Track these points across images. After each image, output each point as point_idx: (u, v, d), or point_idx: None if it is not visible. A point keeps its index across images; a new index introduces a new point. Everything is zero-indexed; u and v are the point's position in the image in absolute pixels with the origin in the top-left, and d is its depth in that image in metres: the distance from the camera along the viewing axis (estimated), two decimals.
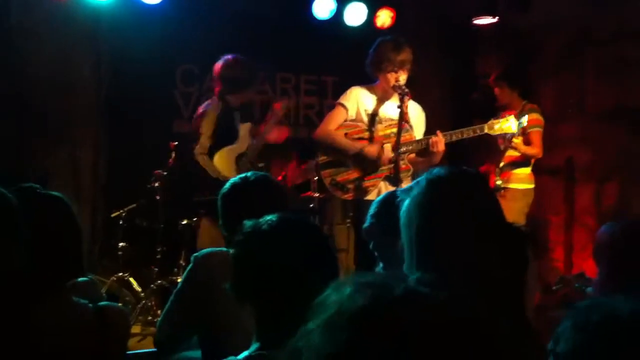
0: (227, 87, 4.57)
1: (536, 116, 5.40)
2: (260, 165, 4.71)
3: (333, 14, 6.30)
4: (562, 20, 6.44)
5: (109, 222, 5.62)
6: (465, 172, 1.52)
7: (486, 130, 4.36)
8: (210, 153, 4.69)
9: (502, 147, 5.32)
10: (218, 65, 4.66)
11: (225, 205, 2.65)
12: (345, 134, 4.39)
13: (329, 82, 7.17)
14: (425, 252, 1.43)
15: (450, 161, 5.07)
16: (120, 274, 5.25)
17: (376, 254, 2.33)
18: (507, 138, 5.12)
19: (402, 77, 4.26)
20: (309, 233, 1.77)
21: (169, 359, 2.78)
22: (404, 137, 4.23)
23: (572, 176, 6.45)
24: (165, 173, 5.08)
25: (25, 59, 5.69)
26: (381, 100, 4.40)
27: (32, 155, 5.76)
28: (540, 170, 5.84)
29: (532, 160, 5.52)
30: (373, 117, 4.37)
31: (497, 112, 6.63)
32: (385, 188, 4.28)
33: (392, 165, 4.24)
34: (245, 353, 1.68)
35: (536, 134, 5.38)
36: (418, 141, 4.29)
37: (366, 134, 4.37)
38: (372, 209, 2.40)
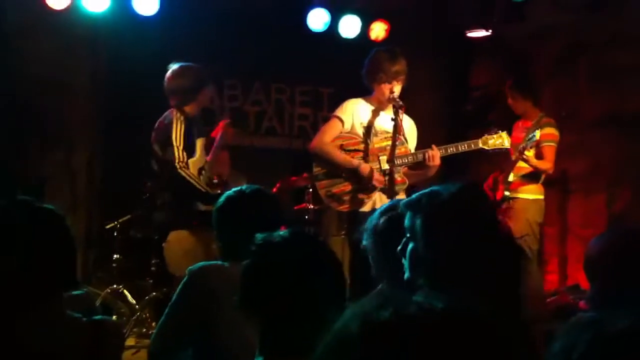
0: (180, 98, 4.47)
1: (552, 130, 5.31)
2: (215, 181, 4.61)
3: (327, 26, 6.33)
4: (555, 29, 6.49)
5: (104, 233, 5.61)
6: (465, 187, 1.53)
7: (480, 145, 4.40)
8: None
9: (513, 157, 5.29)
10: (166, 76, 4.55)
11: (220, 218, 2.65)
12: (341, 146, 4.40)
13: (324, 93, 7.19)
14: (428, 266, 1.44)
15: (454, 171, 5.08)
16: (115, 286, 5.23)
17: (373, 265, 2.33)
18: (519, 149, 5.13)
19: (397, 88, 4.28)
20: (319, 248, 1.82)
21: None
22: (400, 150, 4.25)
23: (566, 187, 6.47)
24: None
25: (22, 62, 5.70)
26: (377, 112, 4.42)
27: (28, 159, 5.76)
28: None
29: (543, 176, 5.41)
30: (369, 129, 4.38)
31: (491, 123, 6.65)
32: (380, 200, 4.29)
33: (387, 178, 4.27)
34: None
35: (550, 148, 5.28)
36: (414, 154, 4.31)
37: (362, 146, 4.38)
38: (371, 222, 2.38)
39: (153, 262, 5.18)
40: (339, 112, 4.45)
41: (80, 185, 6.17)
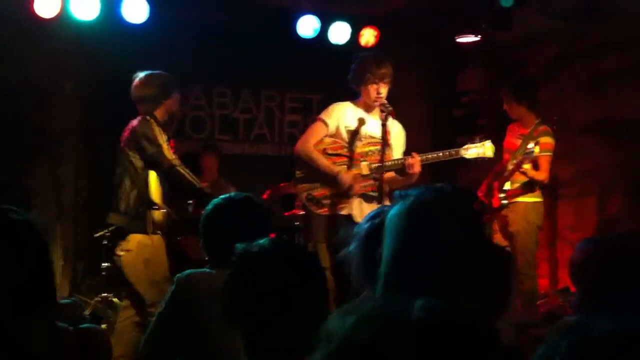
0: (147, 105, 4.50)
1: (548, 140, 5.28)
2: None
3: (317, 32, 6.35)
4: (543, 36, 6.52)
5: (93, 242, 5.59)
6: (442, 191, 1.52)
7: (462, 154, 4.37)
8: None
9: (509, 165, 5.29)
10: (133, 84, 4.57)
11: (208, 225, 2.64)
12: (324, 149, 4.42)
13: (314, 100, 7.20)
14: (402, 274, 1.44)
15: (441, 177, 5.08)
16: (104, 294, 5.21)
17: (358, 271, 2.32)
18: (516, 163, 5.12)
19: (383, 90, 4.30)
20: (299, 255, 1.85)
21: None
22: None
23: (556, 192, 6.50)
24: None
25: (6, 72, 5.67)
26: (363, 117, 4.43)
27: (12, 172, 5.72)
28: None
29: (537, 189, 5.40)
30: (353, 134, 4.40)
31: (482, 128, 6.66)
32: (358, 204, 4.32)
33: (367, 184, 4.31)
34: None
35: (546, 159, 5.25)
36: (394, 161, 4.31)
37: (345, 151, 4.40)
38: (359, 228, 2.37)
39: None
40: (324, 115, 4.46)
41: (67, 196, 6.14)
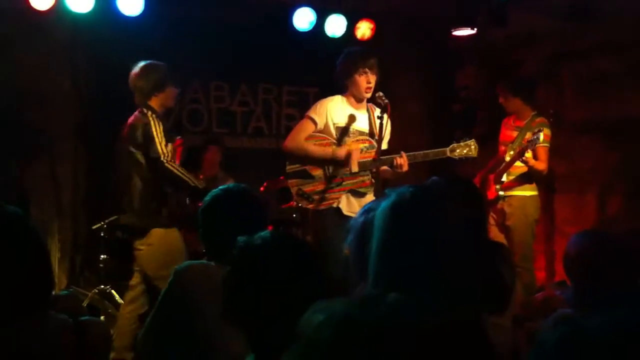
0: (144, 94, 4.50)
1: (546, 131, 5.30)
2: (201, 178, 4.61)
3: (313, 25, 6.34)
4: (540, 34, 6.53)
5: (90, 234, 5.59)
6: (430, 188, 1.51)
7: (448, 154, 4.45)
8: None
9: (507, 156, 5.31)
10: (132, 73, 4.56)
11: (206, 217, 2.64)
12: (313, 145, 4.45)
13: (311, 93, 7.20)
14: (390, 269, 1.44)
15: (439, 169, 5.09)
16: (102, 286, 5.22)
17: (352, 265, 2.33)
18: (519, 151, 5.14)
19: (372, 79, 4.33)
20: (300, 247, 1.83)
21: None
22: (370, 153, 4.30)
23: (552, 185, 6.52)
24: None
25: (2, 72, 5.65)
26: (351, 112, 4.45)
27: (10, 170, 5.71)
28: None
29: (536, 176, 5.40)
30: (342, 129, 4.42)
31: (477, 123, 6.66)
32: (347, 200, 4.37)
33: (356, 180, 4.35)
34: None
35: (544, 149, 5.29)
36: (382, 160, 4.32)
37: (333, 147, 4.42)
38: (353, 222, 2.39)
39: None
40: (312, 112, 4.48)
41: (66, 194, 6.13)
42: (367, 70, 4.32)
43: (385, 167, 4.37)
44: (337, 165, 4.37)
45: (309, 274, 1.76)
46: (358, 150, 4.34)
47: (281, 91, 7.30)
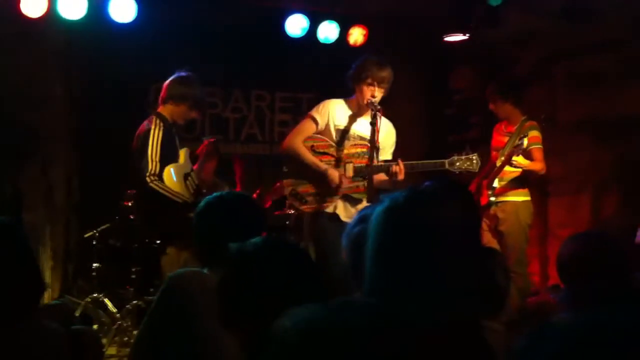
0: (162, 99, 4.50)
1: (536, 133, 5.31)
2: (204, 191, 4.56)
3: (305, 31, 6.34)
4: (533, 34, 6.55)
5: (83, 242, 5.56)
6: (424, 193, 1.50)
7: (447, 167, 4.34)
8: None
9: (498, 163, 5.31)
10: (172, 80, 4.56)
11: (200, 223, 2.63)
12: (312, 146, 4.42)
13: (304, 99, 7.20)
14: (380, 274, 1.43)
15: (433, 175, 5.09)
16: (95, 294, 5.19)
17: (350, 272, 2.33)
18: (505, 157, 5.14)
19: (378, 94, 4.30)
20: (294, 252, 1.81)
21: None
22: (366, 159, 4.27)
23: (546, 189, 6.53)
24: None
25: None
26: (354, 116, 4.44)
27: (2, 173, 5.69)
28: None
29: (532, 178, 5.41)
30: (342, 133, 4.40)
31: (471, 127, 6.67)
32: (342, 204, 4.35)
33: (353, 185, 4.33)
34: None
35: (538, 150, 5.30)
36: (378, 166, 4.31)
37: (332, 150, 4.41)
38: (349, 229, 2.37)
39: (133, 270, 5.15)
40: (315, 112, 4.46)
41: (59, 198, 6.11)
42: (375, 83, 4.29)
43: (381, 177, 4.35)
44: (326, 184, 4.33)
45: (305, 278, 1.74)
46: (349, 179, 4.31)
47: (274, 97, 7.30)
